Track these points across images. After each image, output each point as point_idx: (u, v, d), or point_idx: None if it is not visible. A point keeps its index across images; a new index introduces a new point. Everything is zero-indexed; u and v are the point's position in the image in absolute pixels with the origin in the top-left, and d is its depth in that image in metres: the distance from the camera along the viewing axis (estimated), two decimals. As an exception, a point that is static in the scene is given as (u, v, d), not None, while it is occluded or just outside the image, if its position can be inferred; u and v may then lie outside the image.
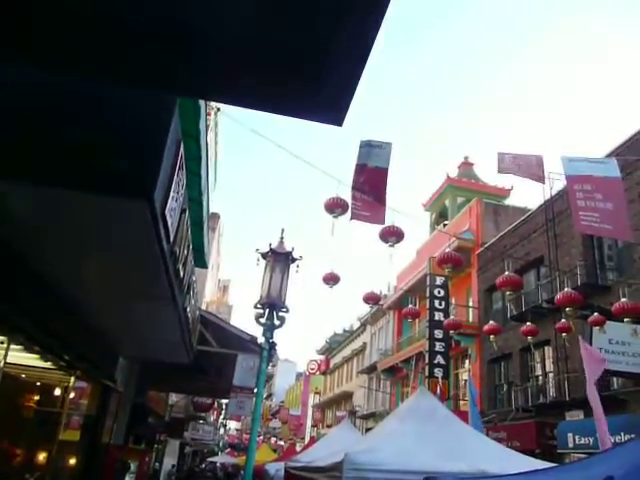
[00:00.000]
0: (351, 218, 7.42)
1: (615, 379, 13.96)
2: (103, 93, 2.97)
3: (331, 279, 10.75)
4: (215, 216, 23.02)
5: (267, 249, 10.09)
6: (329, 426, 38.90)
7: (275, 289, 9.69)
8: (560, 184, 11.82)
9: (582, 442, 13.14)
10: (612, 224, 6.37)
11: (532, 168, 7.31)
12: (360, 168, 7.65)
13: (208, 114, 8.59)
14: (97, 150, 2.91)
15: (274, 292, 9.67)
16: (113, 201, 3.07)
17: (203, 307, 19.42)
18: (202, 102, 4.68)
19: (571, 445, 13.61)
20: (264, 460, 17.52)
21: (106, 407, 8.52)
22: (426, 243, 28.05)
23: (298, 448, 24.96)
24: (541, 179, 7.22)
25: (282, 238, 10.34)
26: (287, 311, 9.76)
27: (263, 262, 10.22)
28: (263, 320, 9.71)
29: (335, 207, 7.74)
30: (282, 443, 49.49)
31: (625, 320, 10.97)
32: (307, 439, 37.54)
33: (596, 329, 12.20)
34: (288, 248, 10.13)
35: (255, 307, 10.04)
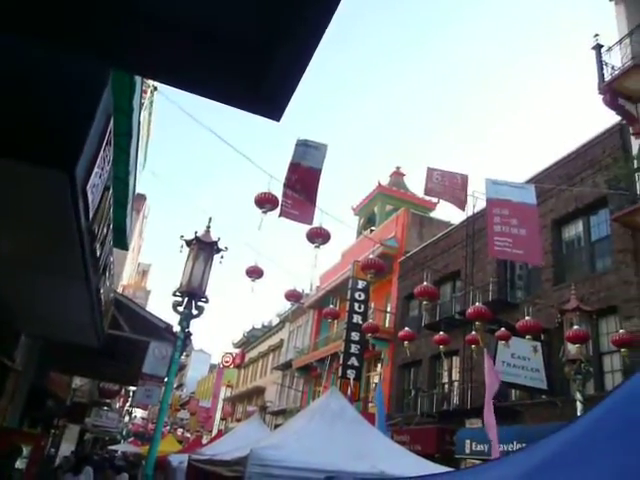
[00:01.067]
0: (280, 215, 7.42)
1: (513, 391, 14.83)
2: (32, 58, 2.79)
3: (254, 272, 10.69)
4: (141, 198, 22.26)
5: (192, 237, 9.90)
6: (239, 420, 38.66)
7: (196, 278, 9.50)
8: (482, 203, 12.42)
9: (478, 449, 13.85)
10: (524, 249, 6.73)
11: (456, 190, 7.59)
12: (294, 167, 7.66)
13: (144, 92, 8.30)
14: (19, 116, 2.74)
15: (195, 281, 9.49)
16: (31, 170, 2.90)
17: (119, 290, 18.72)
18: (138, 79, 4.51)
19: (468, 451, 14.30)
20: (168, 451, 17.12)
21: (1, 387, 8.02)
22: (352, 247, 28.53)
23: (205, 441, 24.61)
24: (462, 205, 7.51)
25: (209, 227, 10.15)
26: (206, 301, 9.60)
27: (187, 250, 10.01)
28: (181, 309, 9.50)
29: (265, 202, 7.70)
30: (189, 435, 48.60)
31: (527, 337, 11.66)
32: (215, 432, 37.11)
33: (501, 343, 12.91)
34: (214, 238, 9.99)
35: (174, 295, 9.79)
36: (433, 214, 26.06)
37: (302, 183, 7.63)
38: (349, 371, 21.09)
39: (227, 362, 49.65)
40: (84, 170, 3.05)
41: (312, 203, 7.64)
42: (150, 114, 12.71)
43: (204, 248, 9.79)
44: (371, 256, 8.27)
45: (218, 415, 48.25)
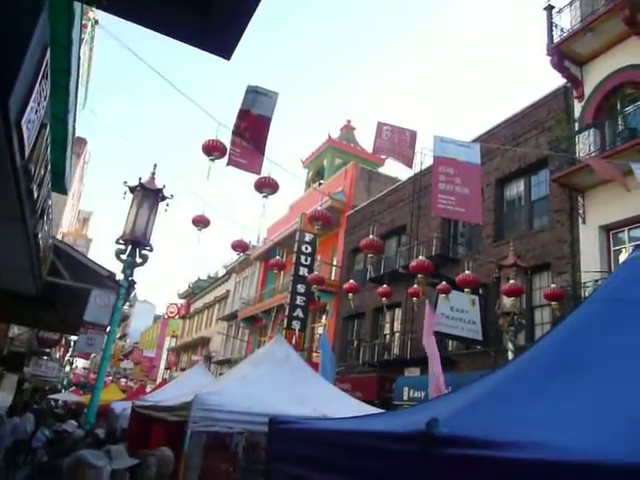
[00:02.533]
0: (228, 163, 7.25)
1: (450, 342, 15.54)
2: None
3: (200, 221, 10.54)
4: (81, 141, 21.21)
5: (136, 183, 9.58)
6: (183, 369, 38.79)
7: (140, 226, 9.29)
8: (429, 160, 12.60)
9: (415, 395, 14.55)
10: (466, 208, 6.87)
11: (404, 148, 7.61)
12: (243, 114, 7.46)
13: (84, 26, 7.78)
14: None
15: (139, 229, 9.28)
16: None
17: (59, 237, 18.03)
18: (77, 9, 4.22)
19: (405, 398, 15.01)
20: (111, 399, 17.07)
21: None
22: (300, 199, 28.49)
23: (149, 390, 24.66)
24: (410, 162, 7.55)
25: (154, 174, 9.87)
26: (151, 250, 9.43)
27: (130, 197, 9.70)
28: (124, 257, 9.30)
29: (213, 150, 7.51)
30: (132, 384, 48.51)
31: (466, 290, 12.15)
32: (159, 382, 37.22)
33: (442, 296, 13.41)
34: (159, 185, 9.71)
35: (117, 242, 9.56)
36: (381, 170, 26.24)
37: (251, 131, 7.45)
38: (294, 322, 21.44)
39: (172, 313, 49.39)
40: (18, 103, 2.86)
41: (261, 152, 7.50)
42: (91, 50, 11.98)
43: (149, 195, 9.53)
44: (319, 208, 8.29)
45: (162, 365, 48.29)
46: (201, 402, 5.47)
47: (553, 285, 11.65)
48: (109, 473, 2.19)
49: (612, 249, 11.98)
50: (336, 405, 6.28)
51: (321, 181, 28.55)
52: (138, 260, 9.30)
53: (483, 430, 1.82)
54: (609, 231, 12.07)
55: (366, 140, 28.99)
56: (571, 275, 12.26)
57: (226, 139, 7.55)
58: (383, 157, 28.65)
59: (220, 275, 42.09)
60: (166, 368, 46.02)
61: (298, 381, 6.65)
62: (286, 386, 6.33)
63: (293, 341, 19.23)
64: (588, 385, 1.92)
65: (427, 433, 1.88)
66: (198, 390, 6.29)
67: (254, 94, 7.38)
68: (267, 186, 7.87)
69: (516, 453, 1.64)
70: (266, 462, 3.16)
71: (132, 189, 9.45)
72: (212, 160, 7.62)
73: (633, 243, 11.15)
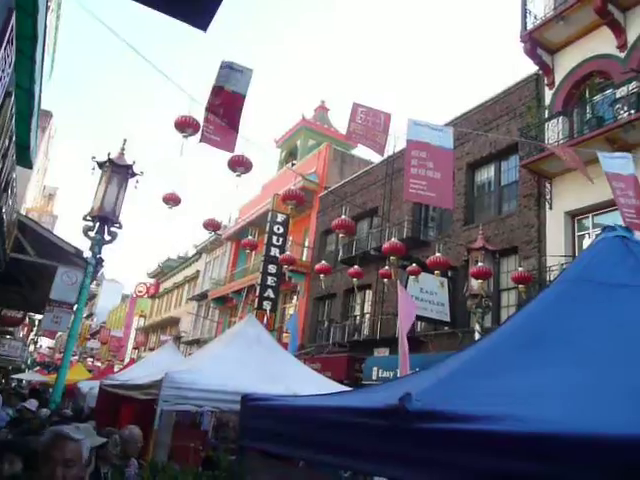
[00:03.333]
0: (200, 140, 7.12)
1: (419, 323, 15.79)
2: None
3: (171, 200, 10.37)
4: (47, 114, 20.54)
5: (105, 159, 9.34)
6: (152, 349, 38.51)
7: (109, 202, 9.08)
8: (403, 143, 12.65)
9: (384, 375, 14.78)
10: (437, 193, 6.89)
11: (377, 133, 7.57)
12: (217, 90, 7.31)
13: (50, -7, 7.48)
14: None
15: (108, 206, 9.07)
16: None
17: (23, 213, 17.52)
18: (45, -26, 4.05)
19: (375, 377, 15.23)
20: (77, 379, 16.85)
21: None
22: (273, 179, 28.31)
23: (117, 370, 24.43)
24: (382, 149, 7.52)
25: (123, 150, 9.63)
26: (120, 227, 9.24)
27: (99, 173, 9.46)
28: (92, 234, 9.09)
29: (186, 126, 7.36)
30: (99, 364, 47.95)
31: (435, 272, 12.33)
32: (127, 362, 36.88)
33: (412, 278, 13.59)
34: (129, 161, 9.49)
35: (84, 219, 9.33)
36: (355, 151, 26.22)
37: (225, 108, 7.32)
38: (265, 302, 21.44)
39: (141, 292, 48.80)
40: (-17, 70, 2.74)
41: (234, 130, 7.39)
42: (57, 18, 11.54)
43: (118, 171, 9.31)
44: (292, 187, 8.27)
45: (130, 345, 47.82)
46: (172, 380, 5.45)
47: (520, 268, 11.91)
48: (88, 448, 2.15)
49: (576, 234, 12.30)
50: (307, 384, 6.34)
51: (294, 162, 28.39)
52: (106, 237, 9.11)
53: (455, 404, 1.86)
54: (574, 217, 12.37)
55: (340, 121, 28.87)
56: (537, 259, 12.56)
57: (200, 116, 7.42)
58: (356, 143, 28.64)
59: (190, 255, 41.69)
60: (134, 348, 45.59)
61: (269, 360, 6.68)
62: (257, 365, 6.35)
63: (264, 321, 19.26)
64: (556, 361, 1.98)
65: (400, 408, 1.91)
66: (168, 369, 6.26)
67: (228, 70, 7.24)
68: (240, 165, 7.78)
69: (487, 426, 1.68)
70: (238, 439, 3.17)
71: (101, 165, 9.22)
72: (185, 137, 7.48)
73: (597, 229, 11.46)
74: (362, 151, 25.88)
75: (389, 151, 17.04)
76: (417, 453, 1.93)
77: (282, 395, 2.98)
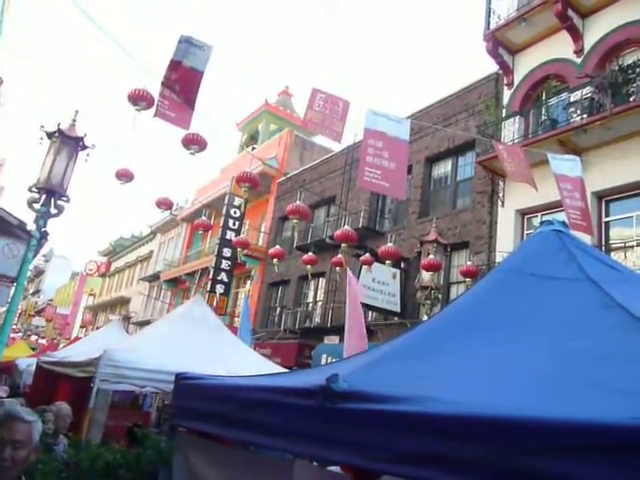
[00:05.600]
0: (155, 115, 6.92)
1: (370, 313, 15.97)
2: None
3: (124, 175, 10.06)
4: (-4, 80, 19.56)
5: (54, 129, 8.97)
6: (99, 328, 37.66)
7: (57, 174, 8.68)
8: (362, 133, 12.67)
9: (333, 362, 14.91)
10: (390, 182, 6.93)
11: (335, 120, 7.53)
12: (175, 64, 7.11)
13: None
14: None
15: (55, 178, 8.67)
16: None
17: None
18: None
19: (323, 364, 15.34)
20: (18, 356, 16.30)
21: None
22: (232, 163, 27.94)
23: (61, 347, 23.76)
24: (339, 137, 7.48)
25: (74, 121, 9.23)
26: (67, 201, 8.86)
27: (47, 143, 9.09)
28: (37, 206, 8.72)
29: (139, 99, 7.13)
30: (44, 342, 46.54)
31: (387, 263, 12.46)
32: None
33: (365, 268, 13.70)
34: (80, 133, 9.15)
35: (30, 190, 8.95)
36: (316, 139, 26.15)
37: (182, 84, 7.13)
38: (218, 286, 21.23)
39: (91, 270, 47.47)
40: None
41: (191, 107, 7.22)
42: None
43: (68, 143, 8.90)
44: (248, 169, 8.14)
45: (78, 323, 46.60)
46: (110, 358, 5.32)
47: (469, 263, 12.18)
48: (39, 431, 2.03)
49: (525, 232, 12.64)
50: (252, 368, 6.30)
51: (255, 145, 28.09)
52: (53, 211, 8.76)
53: (380, 385, 1.88)
54: (524, 215, 12.71)
55: (303, 108, 28.66)
56: (487, 254, 12.86)
57: (156, 91, 7.21)
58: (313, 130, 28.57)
59: (144, 235, 40.82)
60: (81, 327, 44.46)
61: (214, 342, 6.61)
62: (202, 346, 6.28)
63: (214, 304, 19.09)
64: (483, 347, 2.02)
65: (326, 388, 1.91)
66: (110, 347, 6.11)
67: (187, 45, 7.04)
68: (195, 143, 7.61)
69: (409, 406, 1.70)
70: (169, 418, 3.12)
71: (50, 135, 8.82)
72: (138, 110, 7.26)
73: (545, 228, 11.81)
74: (323, 139, 25.85)
75: (349, 140, 17.08)
76: (342, 433, 1.94)
77: (216, 375, 2.95)
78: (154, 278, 32.85)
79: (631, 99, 10.05)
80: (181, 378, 2.93)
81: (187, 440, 2.98)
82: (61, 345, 32.80)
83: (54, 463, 3.28)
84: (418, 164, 15.80)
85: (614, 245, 10.72)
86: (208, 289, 21.15)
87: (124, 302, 38.62)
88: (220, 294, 21.14)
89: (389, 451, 1.73)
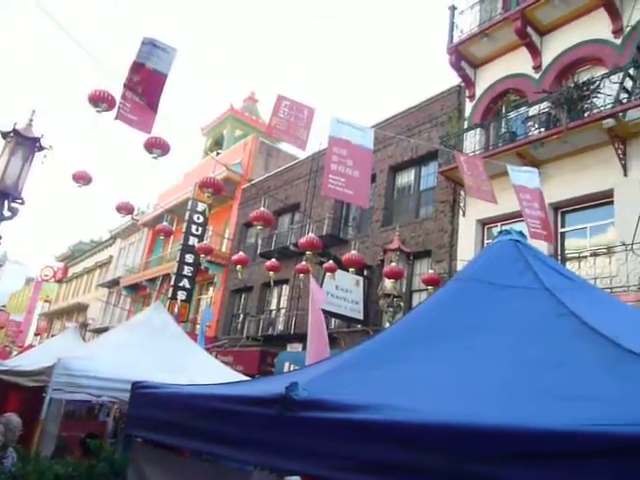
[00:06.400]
0: (116, 117, 6.77)
1: (334, 320, 15.99)
2: None
3: (81, 178, 9.80)
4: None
5: (9, 129, 8.70)
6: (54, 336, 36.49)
7: (12, 175, 8.38)
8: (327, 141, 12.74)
9: (294, 370, 14.85)
10: (354, 190, 6.97)
11: (299, 128, 7.53)
12: (137, 66, 6.98)
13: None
14: None
15: (10, 179, 8.36)
16: None
17: None
18: None
19: (286, 371, 15.26)
20: (-34, 364, 15.60)
21: None
22: (196, 168, 27.63)
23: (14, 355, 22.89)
24: (303, 145, 7.50)
25: (31, 120, 8.99)
26: (22, 203, 8.58)
27: (2, 143, 8.79)
28: (-11, 208, 8.43)
29: (100, 101, 6.97)
30: (-5, 350, 44.75)
31: (351, 270, 12.51)
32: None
33: (328, 275, 13.71)
34: (37, 134, 8.89)
35: (-18, 192, 8.64)
36: (281, 146, 26.13)
37: (144, 86, 7.00)
38: (180, 292, 20.88)
39: (47, 276, 46.05)
40: None
41: (154, 110, 7.09)
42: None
43: (23, 143, 8.65)
44: (212, 175, 8.05)
45: (32, 331, 45.03)
46: (65, 367, 5.15)
47: (431, 271, 12.34)
48: None
49: (486, 241, 12.91)
50: (213, 376, 6.21)
51: (220, 151, 27.87)
52: (6, 213, 8.46)
53: (341, 394, 1.87)
54: (484, 225, 12.99)
55: (269, 114, 28.59)
56: (448, 263, 13.07)
57: (118, 93, 7.06)
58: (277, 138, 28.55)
59: (104, 239, 39.88)
60: (36, 334, 42.99)
61: (174, 350, 6.48)
62: (161, 354, 6.15)
63: (175, 311, 18.77)
64: (442, 354, 2.04)
65: (286, 396, 1.89)
66: (65, 355, 5.91)
67: (151, 47, 6.93)
68: (157, 147, 7.48)
69: (370, 415, 1.70)
70: (124, 428, 3.03)
71: (4, 135, 8.55)
72: (99, 112, 7.09)
73: (504, 238, 12.08)
74: (288, 146, 25.86)
75: (314, 148, 17.14)
76: (302, 442, 1.92)
77: (176, 384, 2.88)
78: (113, 284, 32.11)
79: (585, 115, 10.41)
80: (138, 387, 2.85)
81: (142, 451, 2.90)
82: (14, 353, 31.62)
83: (1, 477, 3.13)
84: (382, 173, 15.98)
85: (569, 255, 11.06)
86: (169, 296, 20.79)
87: (81, 309, 37.57)
88: (182, 301, 20.79)
89: (350, 460, 1.72)
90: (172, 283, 21.10)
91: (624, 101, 9.91)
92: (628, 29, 10.86)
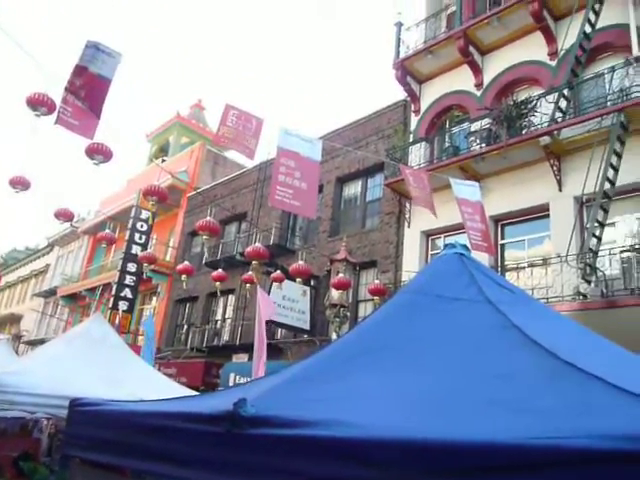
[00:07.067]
0: (56, 122, 6.52)
1: (279, 330, 15.91)
2: None
3: (19, 183, 9.35)
4: None
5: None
6: (-16, 349, 34.48)
7: (-61, 180, 8.00)
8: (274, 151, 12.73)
9: (241, 381, 14.62)
10: (301, 202, 7.00)
11: (248, 137, 7.51)
12: (80, 70, 6.76)
13: None
14: None
15: (-63, 183, 7.98)
16: None
17: None
18: None
19: (231, 383, 15.01)
20: None
21: None
22: (140, 174, 26.98)
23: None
24: (252, 154, 7.47)
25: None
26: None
27: None
28: None
29: (39, 104, 6.70)
30: None
31: (298, 281, 12.50)
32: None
33: (275, 285, 13.66)
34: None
35: None
36: (228, 154, 25.91)
37: (87, 91, 6.78)
38: (121, 303, 20.21)
39: (-23, 286, 43.56)
40: None
41: (96, 116, 6.87)
42: None
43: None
44: (157, 182, 7.87)
45: (-42, 343, 42.38)
46: (-4, 383, 4.87)
47: (377, 281, 12.50)
48: None
49: (430, 253, 13.23)
50: (155, 390, 6.03)
51: (165, 157, 27.32)
52: None
53: (289, 409, 1.85)
54: (429, 236, 13.31)
55: (216, 123, 28.34)
56: (394, 273, 13.29)
57: (58, 97, 6.81)
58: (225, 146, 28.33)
59: (41, 247, 38.17)
60: (-37, 347, 40.48)
61: (115, 363, 6.26)
62: (101, 368, 5.92)
63: (116, 322, 18.16)
64: (390, 368, 2.07)
65: (234, 413, 1.86)
66: (-4, 370, 5.60)
67: (94, 50, 6.73)
68: (99, 153, 7.24)
69: (319, 431, 1.69)
70: (62, 448, 2.89)
71: None
72: (37, 116, 6.81)
73: (447, 249, 12.41)
74: (236, 154, 25.65)
75: (263, 157, 17.09)
76: (251, 460, 1.89)
77: (116, 400, 2.77)
78: (50, 294, 30.73)
79: (524, 132, 10.89)
80: (76, 404, 2.73)
81: (81, 471, 2.77)
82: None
83: None
84: (329, 184, 16.11)
85: (509, 266, 11.48)
86: (110, 306, 20.10)
87: (15, 320, 35.73)
88: (123, 311, 20.13)
89: (299, 477, 1.71)
90: (113, 293, 20.41)
91: (559, 120, 10.43)
92: (562, 52, 11.46)
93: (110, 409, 2.52)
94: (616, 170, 9.36)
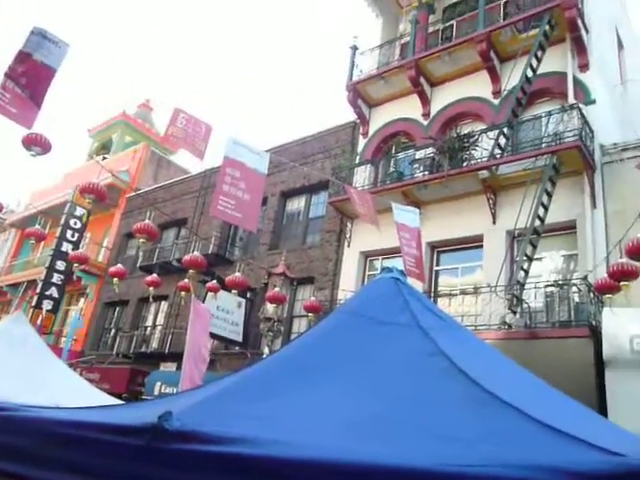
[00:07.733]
0: (-7, 107, 6.21)
1: (212, 341, 15.62)
2: None
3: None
4: None
5: None
6: None
7: None
8: (221, 159, 12.62)
9: (167, 391, 14.23)
10: (243, 214, 6.95)
11: (197, 140, 7.44)
12: (23, 56, 6.47)
13: None
14: None
15: None
16: None
17: None
18: None
19: (157, 393, 14.57)
20: None
21: None
22: (78, 169, 25.97)
23: None
24: (201, 155, 7.40)
25: None
26: None
27: None
28: None
29: (-26, 87, 6.36)
30: None
31: (233, 292, 12.36)
32: None
33: (210, 294, 13.41)
34: None
35: None
36: (173, 158, 25.44)
37: (29, 78, 6.49)
38: (46, 302, 19.20)
39: None
40: None
41: (38, 105, 6.59)
42: None
43: None
44: (95, 180, 7.58)
45: None
46: None
47: (313, 298, 12.54)
48: None
49: (367, 273, 13.44)
50: (76, 395, 5.75)
51: (106, 155, 26.45)
52: None
53: (216, 425, 1.83)
54: (367, 257, 13.53)
55: (164, 125, 27.80)
56: (330, 291, 13.39)
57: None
58: (174, 146, 27.83)
59: (-39, 237, 35.83)
60: None
61: (35, 366, 5.93)
62: (18, 370, 5.59)
63: (39, 322, 17.24)
64: (319, 387, 2.08)
65: (157, 426, 1.81)
66: None
67: (40, 38, 6.47)
68: (38, 144, 6.91)
69: (244, 449, 1.68)
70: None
71: None
72: (-30, 100, 6.45)
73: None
74: (180, 159, 25.21)
75: (207, 164, 16.88)
76: (171, 475, 1.85)
77: (28, 406, 2.63)
78: (-33, 287, 28.85)
79: (464, 164, 11.33)
80: (-14, 409, 2.56)
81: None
82: None
83: None
84: (273, 197, 16.11)
85: (442, 292, 11.82)
86: (33, 304, 19.07)
87: None
88: (47, 311, 19.12)
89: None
90: (38, 291, 19.39)
91: (497, 156, 10.94)
92: (505, 92, 12.06)
93: (24, 415, 2.39)
94: (546, 208, 9.89)
